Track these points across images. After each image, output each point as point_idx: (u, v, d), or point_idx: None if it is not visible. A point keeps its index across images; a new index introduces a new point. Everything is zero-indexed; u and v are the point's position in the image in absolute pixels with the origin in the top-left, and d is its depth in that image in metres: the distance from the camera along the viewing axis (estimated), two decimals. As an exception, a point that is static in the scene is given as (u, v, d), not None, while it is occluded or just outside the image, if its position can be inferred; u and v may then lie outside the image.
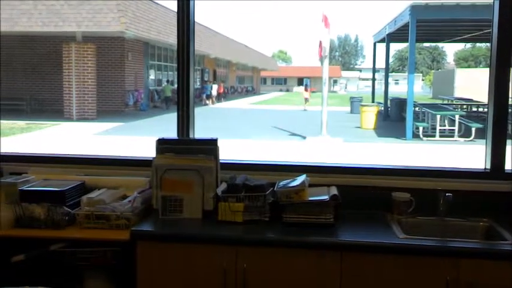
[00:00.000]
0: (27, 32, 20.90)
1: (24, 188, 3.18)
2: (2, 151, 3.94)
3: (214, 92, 33.51)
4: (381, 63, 26.12)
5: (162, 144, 3.34)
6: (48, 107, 22.65)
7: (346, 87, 68.90)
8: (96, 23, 19.86)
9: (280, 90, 64.95)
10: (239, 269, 2.82)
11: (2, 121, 18.72)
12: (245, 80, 54.88)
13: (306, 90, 32.33)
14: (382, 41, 24.09)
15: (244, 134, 16.91)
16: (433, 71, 64.49)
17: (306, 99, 30.97)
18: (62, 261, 2.94)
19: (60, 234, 2.94)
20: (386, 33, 22.02)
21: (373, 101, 24.60)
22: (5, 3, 20.07)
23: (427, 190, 3.22)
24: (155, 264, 2.90)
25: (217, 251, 2.86)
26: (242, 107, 32.11)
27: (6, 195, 3.18)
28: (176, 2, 3.58)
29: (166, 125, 15.38)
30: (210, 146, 3.32)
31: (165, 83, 28.84)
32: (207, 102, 32.18)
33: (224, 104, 33.40)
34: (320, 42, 17.34)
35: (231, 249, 2.84)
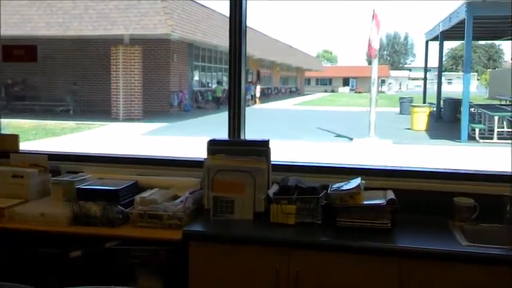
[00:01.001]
0: (78, 36, 21.39)
1: (81, 186, 3.26)
2: (58, 150, 4.06)
3: (257, 93, 33.57)
4: (432, 62, 25.29)
5: (214, 145, 3.36)
6: (96, 107, 23.07)
7: (400, 87, 67.58)
8: (143, 26, 20.18)
9: (325, 91, 64.31)
10: (292, 272, 2.78)
11: (54, 121, 19.18)
12: (289, 80, 54.66)
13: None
14: (434, 39, 23.13)
15: (287, 135, 16.66)
16: (489, 70, 62.19)
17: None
18: (116, 258, 3.00)
19: (115, 232, 3.00)
20: (440, 30, 21.19)
21: (424, 102, 23.73)
22: (58, 8, 20.59)
23: (492, 196, 3.04)
24: (207, 265, 2.91)
25: (269, 253, 2.83)
26: (286, 108, 31.98)
27: (64, 193, 3.28)
28: (228, 4, 3.60)
29: (210, 126, 15.52)
30: (262, 147, 3.31)
31: (216, 84, 29.33)
32: (250, 103, 32.27)
33: (267, 105, 33.32)
34: (370, 41, 16.93)
35: (283, 252, 2.81)
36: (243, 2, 3.61)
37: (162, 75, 24.12)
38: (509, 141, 15.76)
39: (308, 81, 68.33)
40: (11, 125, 16.65)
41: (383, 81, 63.68)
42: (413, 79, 68.61)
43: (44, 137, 15.57)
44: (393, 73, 72.74)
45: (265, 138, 3.39)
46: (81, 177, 3.42)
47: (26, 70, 22.43)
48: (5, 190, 3.38)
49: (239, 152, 3.28)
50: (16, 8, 20.88)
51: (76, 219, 3.07)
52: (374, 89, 17.43)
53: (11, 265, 3.13)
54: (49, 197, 3.40)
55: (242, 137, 3.66)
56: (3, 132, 4.22)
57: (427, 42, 25.10)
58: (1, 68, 16.08)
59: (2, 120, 4.14)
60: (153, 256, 2.99)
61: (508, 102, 25.63)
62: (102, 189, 3.24)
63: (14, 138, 3.94)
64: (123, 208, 3.11)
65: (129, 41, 20.83)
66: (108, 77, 21.27)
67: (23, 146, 3.97)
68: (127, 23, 20.28)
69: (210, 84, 30.58)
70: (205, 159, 3.30)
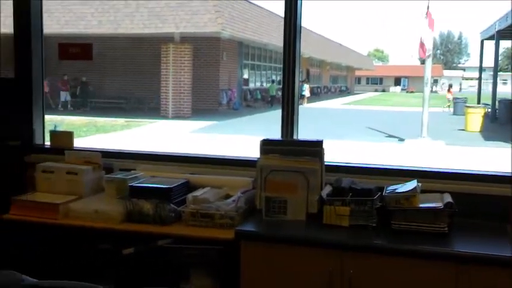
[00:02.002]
0: (129, 34, 21.72)
1: (134, 184, 3.28)
2: (110, 147, 4.10)
3: (307, 92, 33.45)
4: (487, 62, 24.78)
5: (267, 145, 3.32)
6: (146, 105, 23.40)
7: (448, 88, 66.14)
8: (194, 24, 20.33)
9: (376, 90, 63.41)
10: (345, 274, 2.73)
11: (104, 118, 19.54)
12: (339, 79, 54.27)
13: (449, 91, 31.04)
14: (490, 38, 22.77)
15: (337, 134, 16.46)
16: None
17: (449, 100, 29.37)
18: (168, 257, 2.99)
19: (167, 231, 3.00)
20: (496, 29, 20.81)
21: (478, 102, 23.38)
22: (110, 7, 20.96)
23: None
24: (259, 265, 2.88)
25: (322, 254, 2.79)
26: (335, 107, 31.76)
27: (117, 191, 3.30)
28: (283, 3, 3.56)
29: (259, 124, 15.56)
30: (315, 147, 3.27)
31: (271, 83, 29.61)
32: (300, 102, 32.13)
33: (317, 104, 33.15)
34: (421, 41, 16.67)
35: (336, 254, 2.76)
36: (298, 1, 3.57)
37: (212, 73, 24.25)
38: None
39: (358, 80, 67.59)
40: (63, 121, 17.08)
41: (435, 81, 62.47)
42: (467, 79, 67.16)
43: (94, 133, 15.87)
44: (446, 73, 71.33)
45: (319, 138, 3.34)
46: (133, 175, 3.43)
47: (77, 68, 22.91)
48: (59, 187, 3.42)
49: (292, 152, 3.24)
50: (69, 7, 21.34)
51: (129, 216, 3.09)
52: (427, 88, 17.21)
53: (64, 261, 3.17)
54: (102, 194, 3.43)
55: (295, 137, 3.63)
56: (59, 127, 4.31)
57: (482, 42, 24.70)
58: (54, 65, 16.40)
59: (55, 117, 4.23)
60: (204, 255, 2.97)
61: None
62: (154, 187, 3.24)
63: (69, 136, 4.00)
64: (175, 206, 3.11)
65: (179, 39, 21.00)
66: (158, 75, 21.52)
67: (75, 142, 4.04)
68: (178, 21, 20.46)
69: (262, 83, 30.67)
70: (258, 158, 3.27)
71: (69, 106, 23.75)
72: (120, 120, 19.24)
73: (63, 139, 3.97)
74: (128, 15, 21.01)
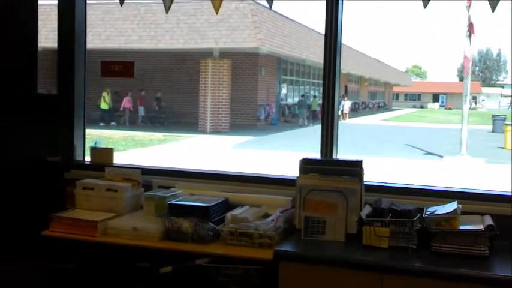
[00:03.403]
0: (169, 49, 21.98)
1: (173, 201, 3.28)
2: (150, 164, 4.13)
3: (346, 109, 33.34)
4: None
5: (306, 164, 3.31)
6: (184, 119, 23.59)
7: (477, 102, 65.30)
8: (233, 40, 20.48)
9: (414, 107, 62.91)
10: None
11: (142, 132, 19.75)
12: (377, 95, 53.97)
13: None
14: None
15: (375, 151, 16.42)
16: None
17: None
18: (206, 276, 2.97)
19: (205, 249, 2.99)
20: None
21: None
22: (150, 22, 21.27)
23: None
24: (297, 285, 2.86)
25: (362, 276, 2.76)
26: (373, 123, 31.55)
27: (156, 208, 3.29)
28: (324, 20, 3.55)
29: (297, 140, 15.52)
30: (355, 167, 3.25)
31: (312, 98, 29.85)
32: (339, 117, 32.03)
33: (355, 120, 33.01)
34: (466, 57, 16.50)
35: (377, 276, 2.73)
36: (339, 18, 3.56)
37: (250, 89, 24.36)
38: None
39: (396, 96, 67.17)
40: (102, 135, 17.31)
41: (474, 98, 61.76)
42: (506, 96, 66.35)
43: (132, 147, 16.04)
44: (485, 90, 70.53)
45: (358, 157, 3.34)
46: (172, 193, 3.43)
47: (117, 80, 23.17)
48: (99, 203, 3.43)
49: (331, 172, 3.22)
50: (111, 22, 21.71)
51: (167, 234, 3.09)
52: (466, 106, 17.22)
53: (102, 279, 3.18)
54: (141, 212, 3.43)
55: (334, 155, 3.61)
56: (99, 143, 4.35)
57: None
58: (95, 78, 16.72)
59: (94, 131, 4.28)
60: (243, 275, 2.95)
61: None
62: (193, 205, 3.23)
63: (109, 152, 4.02)
64: (214, 225, 3.10)
65: (218, 54, 21.16)
66: (196, 89, 21.70)
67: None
68: (217, 37, 20.64)
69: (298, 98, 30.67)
70: (297, 177, 3.26)
71: (146, 121, 24.09)
72: (158, 135, 19.40)
73: (103, 155, 4.00)
74: (168, 30, 21.28)
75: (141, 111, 24.25)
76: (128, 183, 3.51)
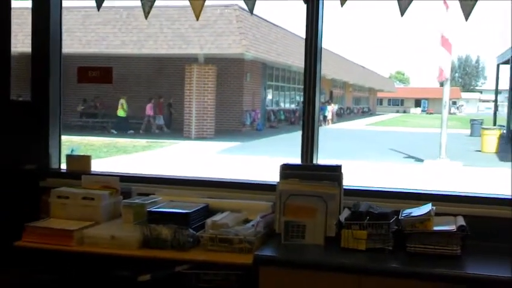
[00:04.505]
0: (153, 54, 21.88)
1: (152, 209, 3.25)
2: (130, 172, 4.09)
3: (330, 114, 33.47)
4: (503, 85, 25.33)
5: (287, 170, 3.32)
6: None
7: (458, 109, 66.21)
8: (218, 46, 20.46)
9: (397, 112, 63.74)
10: None
11: (125, 139, 19.58)
12: (361, 100, 54.35)
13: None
14: (506, 62, 23.57)
15: (359, 155, 16.70)
16: None
17: None
18: (186, 283, 2.96)
19: (185, 256, 2.96)
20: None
21: (494, 124, 24.20)
22: (133, 27, 21.15)
23: None
24: None
25: (340, 279, 2.80)
26: (358, 128, 31.78)
27: (135, 216, 3.26)
28: (305, 24, 3.56)
29: (283, 146, 15.48)
30: (334, 172, 3.27)
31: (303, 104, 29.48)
32: (323, 123, 32.16)
33: (340, 125, 33.20)
34: (440, 66, 16.89)
35: (354, 278, 2.78)
36: (319, 23, 3.57)
37: (235, 94, 24.36)
38: None
39: (380, 101, 67.85)
40: (82, 142, 17.13)
41: (454, 103, 62.66)
42: (484, 101, 67.51)
43: (114, 154, 15.91)
44: (464, 95, 71.68)
45: (338, 162, 3.37)
46: (152, 200, 3.40)
47: (98, 86, 22.83)
48: (75, 212, 3.35)
49: (311, 177, 3.26)
50: (91, 27, 21.50)
51: (146, 242, 3.05)
52: (445, 111, 17.70)
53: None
54: (119, 220, 3.38)
55: (315, 161, 3.62)
56: (76, 151, 4.28)
57: (498, 66, 25.44)
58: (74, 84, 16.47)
59: (74, 138, 4.21)
60: (223, 280, 2.94)
61: None
62: (173, 212, 3.21)
63: (87, 160, 3.94)
64: (194, 232, 3.08)
65: (203, 60, 21.12)
66: (181, 95, 21.61)
67: (94, 163, 3.99)
68: (202, 43, 20.59)
69: (283, 104, 30.72)
70: (277, 183, 3.27)
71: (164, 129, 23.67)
72: (142, 141, 19.28)
73: (80, 163, 3.92)
74: (152, 35, 21.15)
75: (159, 119, 23.78)
76: (106, 191, 3.45)
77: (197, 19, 3.63)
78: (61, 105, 4.03)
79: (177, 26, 20.81)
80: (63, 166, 4.02)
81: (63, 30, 4.07)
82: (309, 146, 3.59)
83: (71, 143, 14.95)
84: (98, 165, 4.00)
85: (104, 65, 4.08)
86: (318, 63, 3.59)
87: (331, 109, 33.75)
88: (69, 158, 4.00)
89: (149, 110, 23.21)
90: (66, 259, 3.11)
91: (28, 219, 3.30)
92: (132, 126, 22.75)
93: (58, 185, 3.60)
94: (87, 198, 3.38)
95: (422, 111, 65.05)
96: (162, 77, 24.17)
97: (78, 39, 20.91)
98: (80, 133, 19.22)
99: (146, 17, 3.64)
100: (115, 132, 22.18)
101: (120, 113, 23.21)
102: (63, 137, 4.16)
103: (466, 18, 3.19)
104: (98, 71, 3.94)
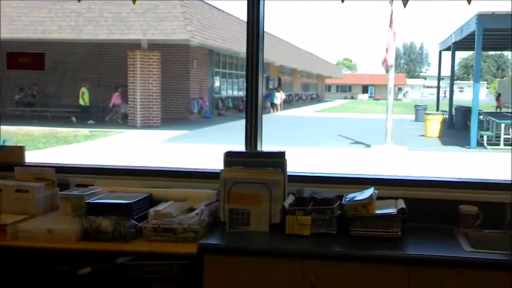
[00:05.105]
0: (93, 40, 21.27)
1: (91, 200, 3.16)
2: (68, 162, 3.96)
3: (279, 100, 33.58)
4: (446, 71, 26.17)
5: (230, 157, 3.32)
6: (112, 114, 22.94)
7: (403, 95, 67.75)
8: (162, 31, 20.07)
9: (345, 98, 64.71)
10: (306, 282, 2.79)
11: (66, 129, 19.03)
12: (310, 87, 54.77)
13: (497, 100, 31.64)
14: (448, 49, 24.15)
15: (308, 142, 16.86)
16: (498, 79, 63.58)
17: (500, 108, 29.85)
18: (129, 274, 2.90)
19: (127, 247, 2.92)
20: (453, 41, 22.10)
21: (437, 109, 24.75)
22: (70, 11, 20.45)
23: (494, 203, 3.19)
24: (222, 278, 2.88)
25: (285, 264, 2.84)
26: (307, 115, 32.03)
27: (73, 208, 3.17)
28: (246, 10, 3.50)
29: (231, 133, 15.50)
30: (278, 158, 3.28)
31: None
32: (272, 110, 32.27)
33: (289, 112, 33.37)
34: (385, 57, 17.17)
35: (298, 263, 2.82)
36: (261, 7, 3.54)
37: (182, 82, 24.07)
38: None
39: (328, 88, 68.67)
40: (20, 132, 16.57)
41: (400, 89, 64.05)
42: (428, 87, 69.43)
43: (55, 145, 15.45)
44: (409, 81, 73.36)
45: (282, 149, 3.38)
46: (91, 191, 3.31)
47: (36, 74, 21.96)
48: (8, 206, 3.25)
49: (255, 164, 3.27)
50: (22, 11, 20.63)
51: (86, 234, 2.98)
52: (390, 97, 17.94)
53: (18, 285, 3.03)
54: (57, 213, 3.29)
55: (259, 148, 3.61)
56: (8, 141, 4.11)
57: (440, 52, 26.34)
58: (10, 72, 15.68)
59: (11, 128, 4.03)
60: (167, 271, 2.90)
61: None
62: (114, 203, 3.14)
63: (19, 150, 3.81)
64: (136, 222, 3.02)
65: (147, 46, 20.71)
66: (125, 83, 21.15)
67: (32, 154, 3.84)
68: (145, 28, 20.11)
69: (231, 91, 30.65)
70: (221, 171, 3.26)
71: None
72: (84, 131, 18.75)
73: (13, 154, 3.77)
74: (91, 20, 20.42)
75: (124, 108, 22.70)
76: (41, 183, 3.35)
77: (134, 2, 3.53)
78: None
79: (118, 10, 20.26)
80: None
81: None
82: (252, 133, 3.58)
83: (7, 133, 14.38)
84: (35, 157, 3.85)
85: (36, 51, 3.89)
86: (260, 47, 3.56)
87: (279, 96, 33.85)
88: (1, 149, 3.88)
89: (116, 99, 22.54)
90: (0, 255, 2.99)
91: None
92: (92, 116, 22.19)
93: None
94: (21, 190, 3.28)
95: (369, 97, 66.30)
96: (104, 64, 23.53)
97: (11, 24, 19.92)
98: (18, 123, 18.57)
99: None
100: (74, 121, 21.55)
101: (80, 101, 22.52)
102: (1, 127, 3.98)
103: (405, 5, 3.25)
104: (30, 57, 3.79)
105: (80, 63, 23.36)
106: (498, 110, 28.38)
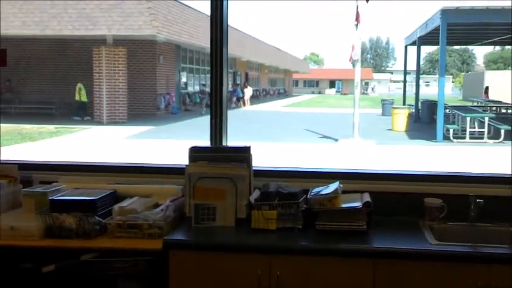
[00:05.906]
0: (58, 36, 20.97)
1: (55, 197, 3.13)
2: (32, 159, 3.91)
3: (247, 95, 33.57)
4: (412, 66, 26.38)
5: (195, 152, 3.31)
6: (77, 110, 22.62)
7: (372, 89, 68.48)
8: (128, 27, 19.87)
9: (312, 93, 64.92)
10: (273, 277, 2.80)
11: (30, 125, 18.70)
12: (277, 82, 54.82)
13: (485, 93, 32.05)
14: (413, 44, 24.39)
15: (275, 136, 16.88)
16: (463, 73, 64.76)
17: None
18: (94, 271, 2.88)
19: (92, 244, 2.90)
20: (418, 36, 22.30)
21: (404, 104, 24.97)
22: (34, 7, 20.12)
23: (459, 196, 3.22)
24: (188, 273, 2.87)
25: (251, 259, 2.84)
26: (274, 110, 32.07)
27: (36, 205, 3.14)
28: (210, 5, 3.50)
29: (198, 129, 15.41)
30: (243, 153, 3.29)
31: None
32: (239, 104, 32.25)
33: (256, 107, 33.38)
34: (352, 47, 17.28)
35: (264, 258, 2.83)
36: (224, 1, 3.52)
37: (148, 78, 23.88)
38: (480, 140, 16.62)
39: (296, 83, 68.86)
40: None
41: (367, 84, 64.66)
42: (395, 81, 70.25)
43: (19, 142, 15.18)
44: (376, 76, 74.15)
45: (248, 144, 3.38)
46: (54, 188, 3.29)
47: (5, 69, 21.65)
48: (-31, 203, 3.20)
49: (221, 159, 3.27)
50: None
51: (49, 232, 2.95)
52: (357, 91, 18.04)
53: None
54: (20, 210, 3.25)
55: (224, 143, 3.60)
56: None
57: (406, 47, 26.61)
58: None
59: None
60: (132, 267, 2.90)
61: (479, 104, 27.10)
62: (77, 199, 3.12)
63: (-19, 147, 3.77)
64: (100, 219, 3.00)
65: (112, 41, 20.50)
66: (90, 79, 20.89)
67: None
68: (110, 23, 19.88)
69: (198, 87, 30.47)
70: (186, 166, 3.25)
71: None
72: (49, 127, 18.45)
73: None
74: (56, 16, 20.09)
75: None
76: (3, 180, 3.31)
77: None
78: None
79: (82, 5, 19.99)
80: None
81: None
82: (217, 128, 3.57)
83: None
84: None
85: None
86: (224, 44, 3.56)
87: (247, 91, 33.84)
88: (-38, 146, 3.79)
89: None
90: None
91: None
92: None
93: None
94: (-18, 188, 3.23)
95: (337, 92, 66.68)
96: (68, 60, 23.18)
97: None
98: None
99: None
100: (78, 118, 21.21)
101: (76, 97, 22.07)
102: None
103: (367, 0, 3.26)
104: (-10, 53, 3.72)
105: (43, 59, 22.99)
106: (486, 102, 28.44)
